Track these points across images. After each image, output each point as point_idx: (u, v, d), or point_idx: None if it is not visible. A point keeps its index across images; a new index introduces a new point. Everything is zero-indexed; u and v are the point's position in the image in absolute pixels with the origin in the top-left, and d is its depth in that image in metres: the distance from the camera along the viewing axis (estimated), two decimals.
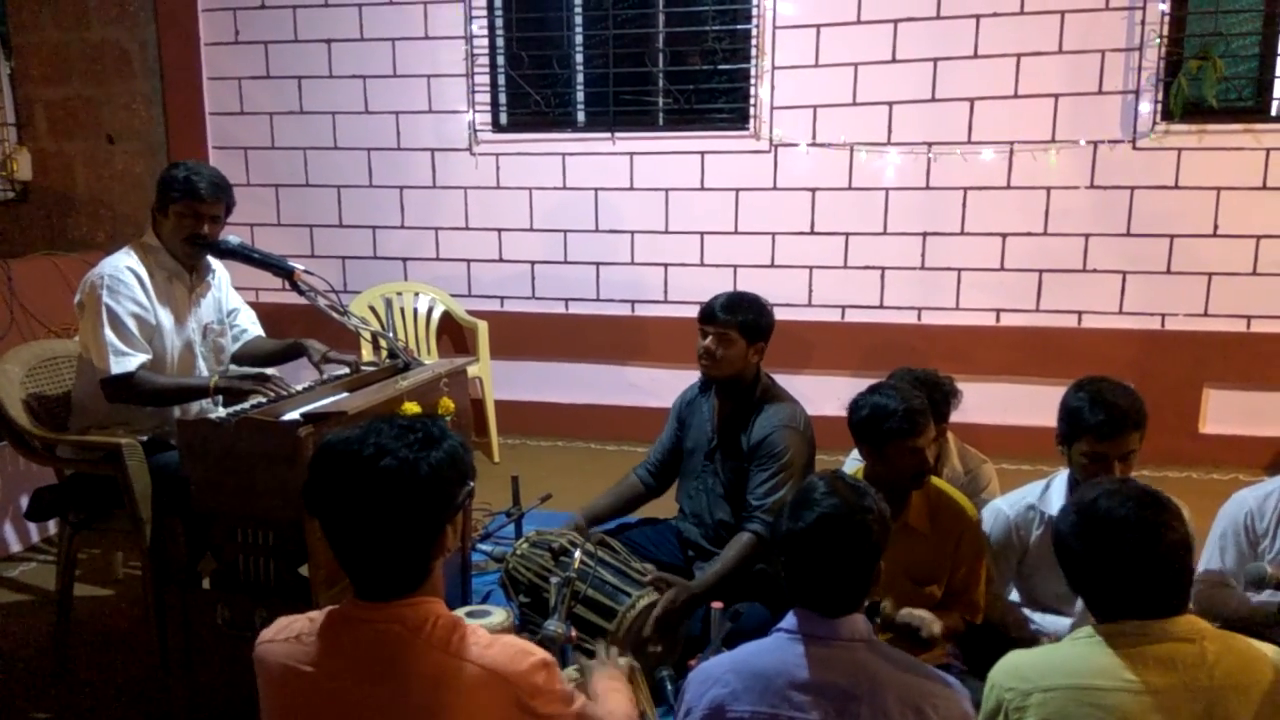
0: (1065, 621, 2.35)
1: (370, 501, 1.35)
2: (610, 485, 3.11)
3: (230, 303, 2.98)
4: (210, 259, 2.88)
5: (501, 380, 4.77)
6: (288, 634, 1.43)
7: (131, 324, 2.61)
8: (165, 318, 2.73)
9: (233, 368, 2.94)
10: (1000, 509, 2.48)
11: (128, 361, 2.59)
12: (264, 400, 2.45)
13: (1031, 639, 2.32)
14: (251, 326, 3.03)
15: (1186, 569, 1.57)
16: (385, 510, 1.36)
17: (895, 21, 4.32)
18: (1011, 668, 1.60)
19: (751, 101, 4.53)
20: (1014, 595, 2.54)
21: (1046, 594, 2.43)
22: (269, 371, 2.75)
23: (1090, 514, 1.57)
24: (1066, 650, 1.60)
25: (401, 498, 1.35)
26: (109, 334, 2.57)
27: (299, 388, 2.57)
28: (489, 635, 1.41)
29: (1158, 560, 1.52)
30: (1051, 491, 2.40)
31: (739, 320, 2.71)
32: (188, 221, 2.68)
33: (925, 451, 2.30)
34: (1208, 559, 2.38)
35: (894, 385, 2.44)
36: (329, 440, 1.43)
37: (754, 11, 4.45)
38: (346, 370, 2.74)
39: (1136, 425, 2.21)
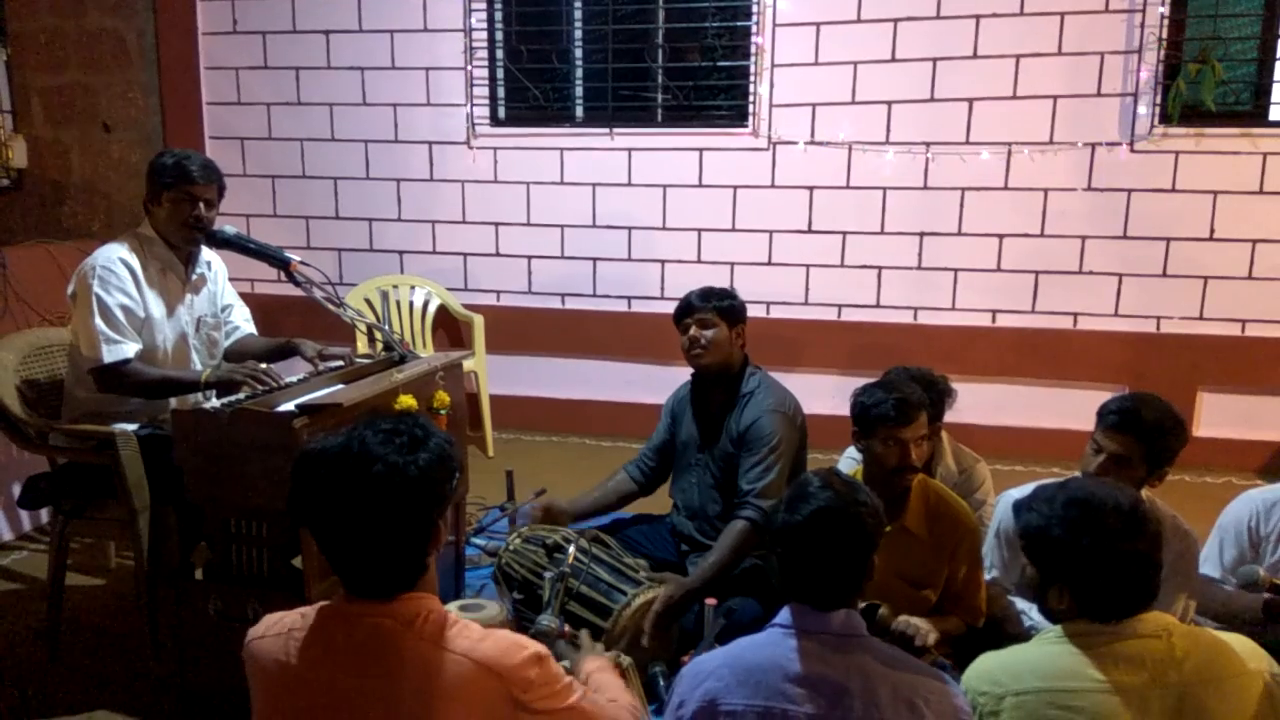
0: None
1: (363, 508, 1.35)
2: (602, 481, 3.10)
3: (225, 298, 2.97)
4: (208, 252, 2.87)
5: (497, 375, 4.77)
6: (279, 629, 1.43)
7: (120, 315, 2.60)
8: (157, 309, 2.72)
9: (224, 365, 2.93)
10: (1015, 499, 2.48)
11: (121, 350, 2.58)
12: (258, 391, 2.45)
13: (1024, 635, 2.32)
14: (244, 324, 3.01)
15: (1159, 562, 1.58)
16: (378, 516, 1.36)
17: (895, 21, 4.32)
18: (984, 671, 1.61)
19: (750, 99, 4.53)
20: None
21: None
22: (261, 365, 2.74)
23: (1083, 502, 1.57)
24: (1036, 652, 1.60)
25: (393, 502, 1.36)
26: (99, 323, 2.57)
27: (294, 379, 2.56)
28: (481, 630, 1.41)
29: (1145, 549, 1.54)
30: None
31: (715, 305, 2.75)
32: (184, 206, 2.68)
33: (910, 446, 2.31)
34: (1207, 554, 2.39)
35: (898, 381, 2.46)
36: (311, 449, 1.41)
37: (754, 9, 4.45)
38: (341, 362, 2.74)
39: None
